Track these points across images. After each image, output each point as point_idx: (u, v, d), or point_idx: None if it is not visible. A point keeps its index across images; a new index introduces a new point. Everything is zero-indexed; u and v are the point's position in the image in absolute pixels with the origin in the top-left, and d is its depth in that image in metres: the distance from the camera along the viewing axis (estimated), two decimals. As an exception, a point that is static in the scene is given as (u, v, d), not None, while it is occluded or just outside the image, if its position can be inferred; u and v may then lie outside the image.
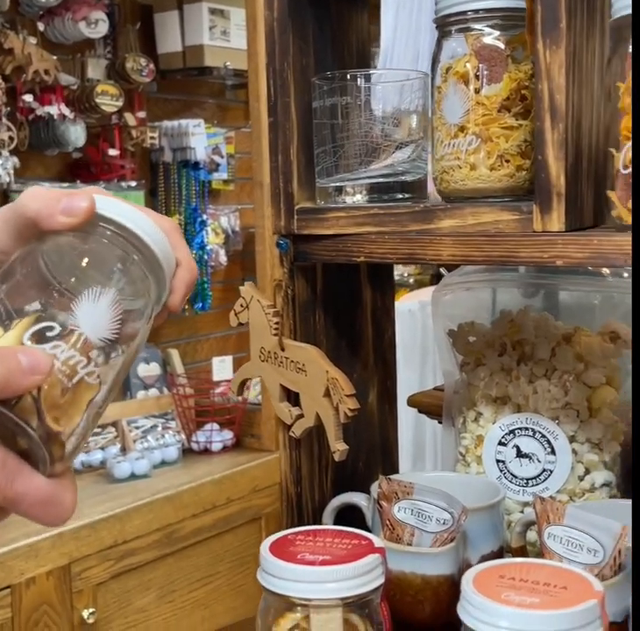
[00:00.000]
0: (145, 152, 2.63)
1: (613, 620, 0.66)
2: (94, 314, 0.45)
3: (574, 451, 0.81)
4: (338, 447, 0.76)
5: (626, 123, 0.64)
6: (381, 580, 0.63)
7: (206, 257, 2.71)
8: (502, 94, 0.71)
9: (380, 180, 0.76)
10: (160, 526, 2.14)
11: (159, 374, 2.56)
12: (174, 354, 2.60)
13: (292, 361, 0.79)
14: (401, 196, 0.76)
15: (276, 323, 0.80)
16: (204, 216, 2.68)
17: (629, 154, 0.63)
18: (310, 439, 0.84)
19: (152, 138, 2.55)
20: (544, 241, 0.66)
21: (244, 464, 2.38)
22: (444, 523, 0.74)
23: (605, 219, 0.69)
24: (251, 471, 2.37)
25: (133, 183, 2.50)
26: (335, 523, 0.83)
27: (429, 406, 1.03)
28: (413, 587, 0.74)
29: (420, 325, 1.54)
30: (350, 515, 0.83)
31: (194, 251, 2.67)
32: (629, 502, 0.78)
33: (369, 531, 0.80)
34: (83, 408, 0.45)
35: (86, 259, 0.48)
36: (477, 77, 0.71)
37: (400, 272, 3.21)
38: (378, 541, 0.65)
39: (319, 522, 0.84)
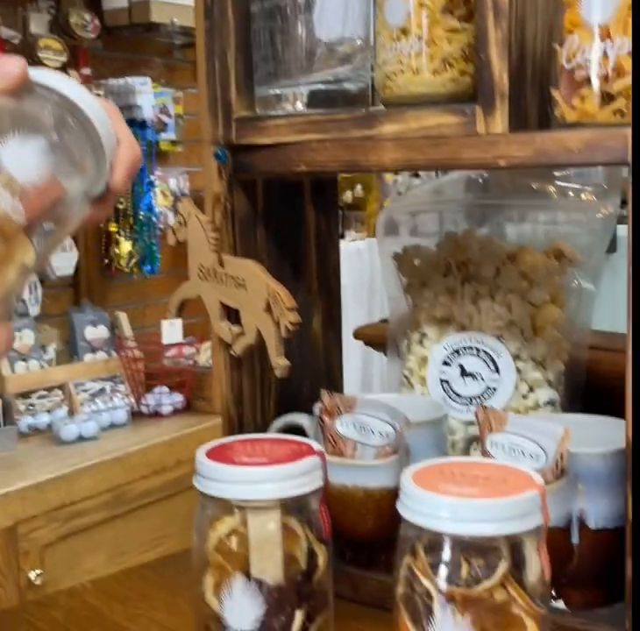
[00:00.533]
0: (91, 112, 2.57)
1: (554, 526, 0.65)
2: (20, 154, 0.43)
3: (518, 370, 0.81)
4: (280, 362, 0.75)
5: (569, 16, 0.63)
6: (320, 483, 0.61)
7: (154, 219, 2.66)
8: (445, -5, 0.69)
9: (321, 87, 0.73)
10: (109, 487, 2.10)
11: (106, 337, 2.51)
12: (123, 317, 2.56)
13: (232, 277, 0.77)
14: (342, 105, 0.74)
15: (215, 239, 0.78)
16: (152, 177, 2.63)
17: (574, 47, 0.62)
18: (252, 360, 0.82)
19: (97, 95, 2.49)
20: (486, 142, 0.65)
21: (194, 427, 2.35)
22: (386, 436, 0.72)
23: (550, 124, 0.68)
24: (201, 433, 2.34)
25: (79, 143, 2.44)
26: (277, 445, 0.81)
27: (375, 338, 1.02)
28: (355, 501, 0.73)
29: (368, 265, 1.52)
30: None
31: (142, 214, 2.63)
32: (571, 416, 0.78)
33: (312, 451, 0.79)
34: (14, 265, 0.43)
35: (18, 113, 0.47)
36: (419, -22, 0.69)
37: (352, 237, 3.20)
38: (317, 445, 0.64)
39: (261, 444, 0.82)
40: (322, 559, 0.62)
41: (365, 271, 1.52)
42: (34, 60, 2.33)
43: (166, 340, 2.53)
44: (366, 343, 1.04)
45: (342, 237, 3.33)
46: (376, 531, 0.74)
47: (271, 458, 0.61)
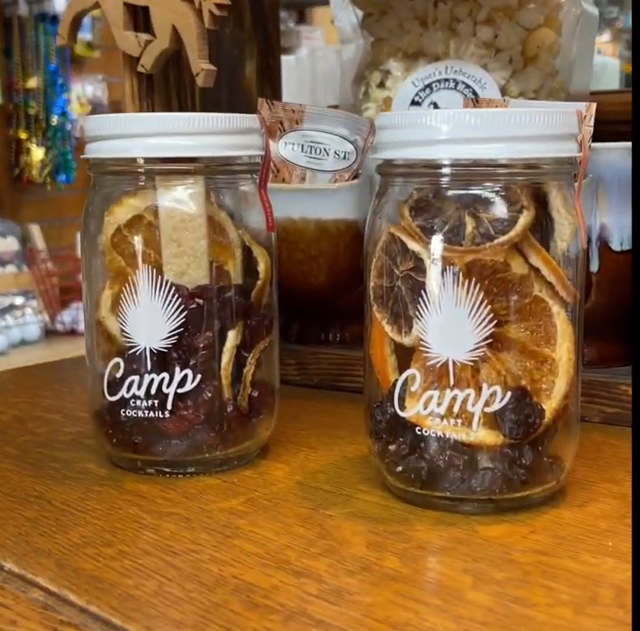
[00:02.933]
0: (-3, 4, 2.33)
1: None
2: None
3: (506, 106, 0.64)
4: (202, 66, 0.56)
5: None
6: (260, 151, 0.44)
7: (69, 126, 2.44)
8: None
9: None
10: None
11: (17, 250, 2.29)
12: (35, 229, 2.34)
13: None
14: None
15: None
16: (65, 79, 2.40)
17: None
18: (168, 86, 0.63)
19: (3, -15, 2.26)
20: None
21: (114, 344, 2.16)
22: (344, 158, 0.55)
23: None
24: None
25: (-17, 37, 2.21)
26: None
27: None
28: (305, 239, 0.55)
29: (309, 76, 1.35)
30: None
31: (55, 118, 2.40)
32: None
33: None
34: None
35: None
36: None
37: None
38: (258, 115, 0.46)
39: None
40: (262, 265, 0.45)
41: (305, 84, 1.35)
42: None
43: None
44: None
45: None
46: (331, 284, 0.56)
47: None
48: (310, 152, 0.56)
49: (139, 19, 0.60)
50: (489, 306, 0.38)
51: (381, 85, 0.68)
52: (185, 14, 0.57)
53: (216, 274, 0.43)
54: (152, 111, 0.63)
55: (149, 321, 0.42)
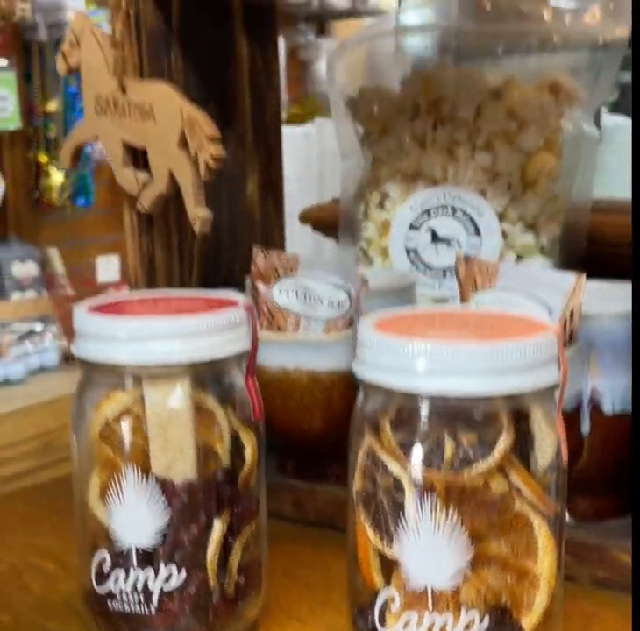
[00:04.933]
0: (17, 29, 2.34)
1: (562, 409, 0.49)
2: None
3: (504, 233, 0.64)
4: (199, 213, 0.57)
5: None
6: (247, 345, 0.44)
7: (89, 149, 2.45)
8: None
9: None
10: (36, 434, 1.92)
11: (36, 275, 2.31)
12: (54, 253, 2.36)
13: (136, 105, 0.59)
14: None
15: (115, 58, 0.60)
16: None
17: None
18: (167, 225, 0.64)
19: (22, 10, 2.27)
20: None
21: (133, 371, 2.18)
22: (338, 306, 0.56)
23: None
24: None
25: (3, 62, 2.23)
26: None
27: (326, 221, 0.85)
28: (298, 389, 0.56)
29: (316, 151, 1.34)
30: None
31: (75, 142, 2.41)
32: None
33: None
34: None
35: None
36: None
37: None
38: (245, 299, 0.46)
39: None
40: (250, 450, 0.46)
41: (312, 160, 1.34)
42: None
43: (101, 278, 2.34)
44: (315, 228, 0.86)
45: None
46: (325, 430, 0.57)
47: (178, 310, 0.44)
48: (304, 300, 0.56)
49: (139, 157, 0.61)
50: (469, 529, 0.38)
51: (381, 205, 0.68)
52: (181, 162, 0.57)
53: (203, 459, 0.44)
54: (152, 252, 0.63)
55: (135, 519, 0.43)
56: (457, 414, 0.38)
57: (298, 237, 0.91)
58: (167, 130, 0.57)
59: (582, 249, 0.67)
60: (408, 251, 0.66)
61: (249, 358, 0.45)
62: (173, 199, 0.60)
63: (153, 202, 0.60)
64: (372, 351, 0.39)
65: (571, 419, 0.51)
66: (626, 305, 0.51)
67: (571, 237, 0.67)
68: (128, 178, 0.61)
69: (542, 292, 0.49)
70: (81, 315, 0.45)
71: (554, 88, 0.66)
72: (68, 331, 2.26)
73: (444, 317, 0.42)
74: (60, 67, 0.63)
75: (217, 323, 0.43)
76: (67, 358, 2.23)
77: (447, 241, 0.65)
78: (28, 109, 2.39)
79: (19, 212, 2.40)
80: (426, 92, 0.67)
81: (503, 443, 0.38)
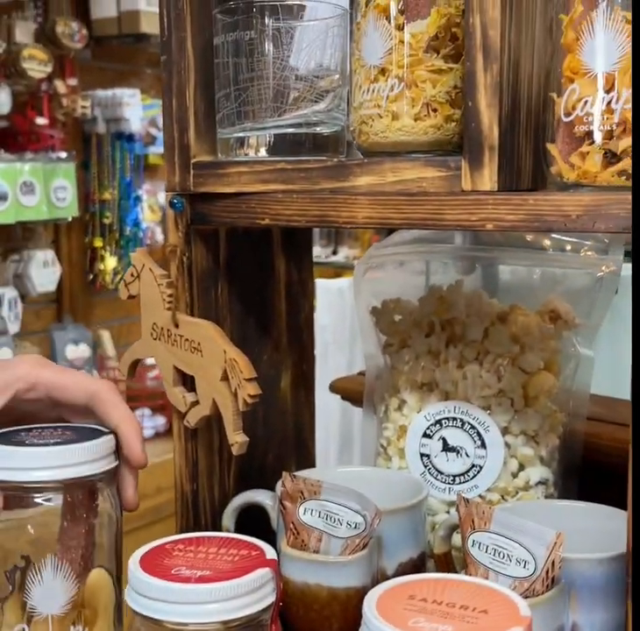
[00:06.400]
0: (77, 123, 2.49)
1: (544, 642, 0.57)
2: None
3: (507, 445, 0.72)
4: (237, 439, 0.66)
5: (569, 62, 0.55)
6: (271, 599, 0.53)
7: (141, 234, 2.58)
8: (429, 31, 0.60)
9: (290, 130, 0.65)
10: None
11: (88, 357, 2.43)
12: (105, 335, 2.47)
13: (186, 340, 0.69)
14: (312, 152, 0.66)
15: (169, 296, 0.69)
16: (139, 192, 2.55)
17: (574, 98, 0.54)
18: (210, 429, 0.74)
19: (83, 107, 2.41)
20: (471, 201, 0.57)
21: (176, 452, 2.27)
22: (355, 527, 0.64)
23: (546, 183, 0.59)
24: (184, 459, 2.26)
25: (63, 154, 2.37)
26: (237, 526, 0.73)
27: (353, 392, 0.94)
28: (318, 601, 0.64)
29: (350, 305, 1.44)
30: (256, 516, 0.73)
31: (128, 229, 2.55)
32: (567, 503, 0.69)
33: (274, 535, 0.71)
34: None
35: None
36: (400, 11, 0.61)
37: (345, 254, 3.12)
38: (271, 551, 0.55)
39: (219, 525, 0.74)
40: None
41: (346, 311, 1.44)
42: (17, 70, 2.25)
43: (149, 360, 2.45)
44: (344, 398, 0.96)
45: (334, 253, 3.25)
46: (342, 635, 0.65)
47: (214, 571, 0.53)
48: (326, 519, 0.65)
49: (188, 377, 0.70)
50: None
51: (399, 409, 0.77)
52: (223, 394, 0.66)
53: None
54: (196, 454, 0.73)
55: None
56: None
57: (330, 396, 0.99)
58: (211, 365, 0.67)
59: (579, 457, 0.75)
60: (421, 456, 0.74)
61: (273, 608, 0.53)
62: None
63: (199, 421, 0.69)
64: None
65: (553, 649, 0.59)
66: (607, 544, 0.59)
67: (568, 446, 0.74)
68: (177, 397, 0.71)
69: (528, 542, 0.57)
70: (136, 570, 0.53)
71: (554, 315, 0.74)
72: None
73: (436, 593, 0.50)
74: (122, 293, 0.73)
75: (248, 586, 0.51)
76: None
77: (456, 450, 0.73)
78: (85, 196, 2.52)
79: (74, 295, 2.53)
80: (440, 311, 0.76)
81: None
